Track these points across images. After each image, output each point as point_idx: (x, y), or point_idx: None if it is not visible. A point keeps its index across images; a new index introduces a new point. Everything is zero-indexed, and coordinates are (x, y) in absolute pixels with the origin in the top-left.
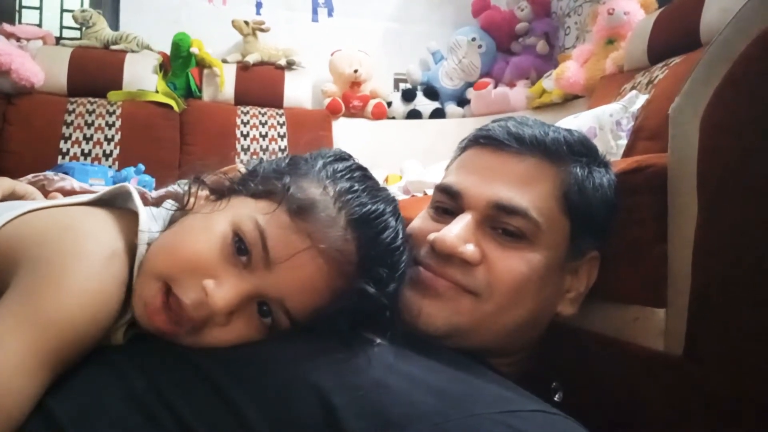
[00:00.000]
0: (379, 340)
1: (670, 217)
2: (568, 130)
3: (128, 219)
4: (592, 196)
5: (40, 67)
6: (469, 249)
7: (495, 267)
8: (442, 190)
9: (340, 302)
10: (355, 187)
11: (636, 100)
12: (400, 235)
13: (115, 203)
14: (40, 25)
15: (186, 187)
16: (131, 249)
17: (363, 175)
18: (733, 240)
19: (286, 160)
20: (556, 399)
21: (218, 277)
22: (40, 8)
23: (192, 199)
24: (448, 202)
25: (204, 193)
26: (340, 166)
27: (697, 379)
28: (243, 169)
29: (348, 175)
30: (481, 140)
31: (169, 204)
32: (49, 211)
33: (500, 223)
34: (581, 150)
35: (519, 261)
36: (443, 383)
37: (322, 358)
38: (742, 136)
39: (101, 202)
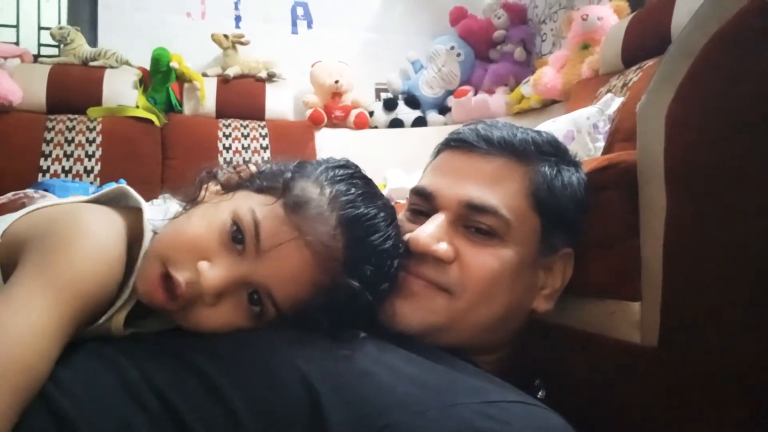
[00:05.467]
0: (363, 334)
1: (640, 211)
2: (537, 132)
3: (129, 215)
4: (561, 194)
5: (18, 85)
6: (442, 247)
7: (468, 264)
8: (416, 192)
9: (324, 297)
10: (352, 191)
11: (612, 103)
12: (391, 240)
13: (113, 204)
14: (17, 43)
15: (170, 199)
16: (133, 237)
17: (363, 182)
18: (700, 232)
19: (294, 163)
20: (539, 396)
21: (213, 260)
22: (17, 26)
23: (203, 193)
24: (422, 204)
25: (215, 188)
26: (342, 171)
27: (671, 368)
28: (254, 168)
29: (347, 180)
30: (453, 143)
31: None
32: (54, 206)
33: (472, 221)
34: (549, 150)
35: (491, 257)
36: (425, 374)
37: (307, 347)
38: (703, 131)
39: (98, 202)
